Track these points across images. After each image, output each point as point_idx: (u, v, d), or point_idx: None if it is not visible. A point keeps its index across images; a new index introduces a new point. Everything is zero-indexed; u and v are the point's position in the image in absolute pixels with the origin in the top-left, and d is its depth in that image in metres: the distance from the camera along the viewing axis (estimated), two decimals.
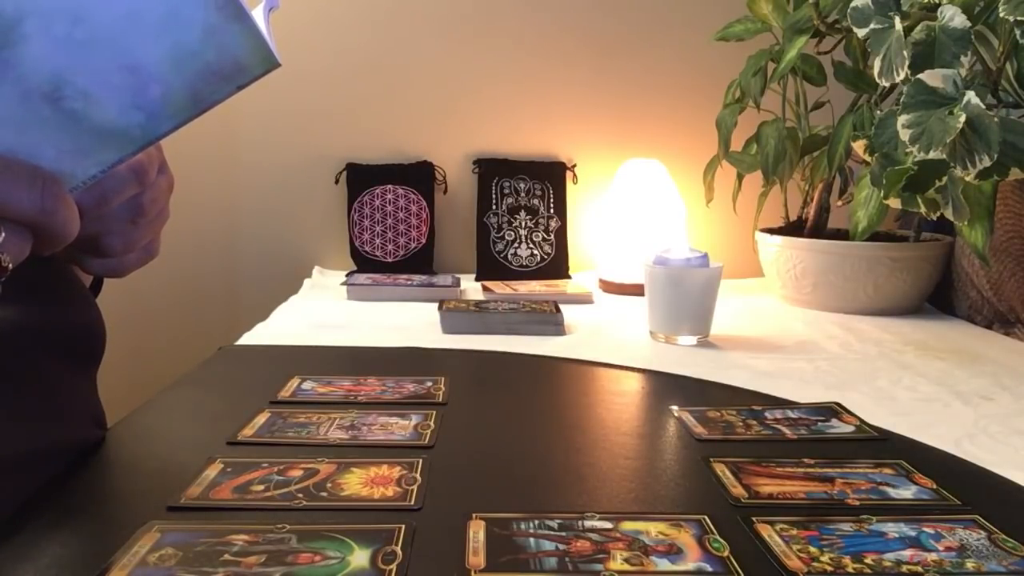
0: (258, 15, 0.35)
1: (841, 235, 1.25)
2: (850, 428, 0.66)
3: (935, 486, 0.53)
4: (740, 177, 1.39)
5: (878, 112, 1.00)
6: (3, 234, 0.32)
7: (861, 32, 0.96)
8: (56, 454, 0.53)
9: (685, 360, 0.91)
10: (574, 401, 0.75)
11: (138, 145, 0.35)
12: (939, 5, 0.90)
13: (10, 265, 0.33)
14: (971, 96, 0.82)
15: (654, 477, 0.55)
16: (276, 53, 0.34)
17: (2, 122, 0.33)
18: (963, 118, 0.81)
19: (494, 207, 1.55)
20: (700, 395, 0.76)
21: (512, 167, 1.58)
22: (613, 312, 1.23)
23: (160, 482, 0.51)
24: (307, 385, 0.74)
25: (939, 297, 1.27)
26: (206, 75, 0.34)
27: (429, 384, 0.75)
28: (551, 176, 1.58)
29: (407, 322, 1.12)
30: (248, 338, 1.01)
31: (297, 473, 0.52)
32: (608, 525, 0.46)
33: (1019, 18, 0.81)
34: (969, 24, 0.86)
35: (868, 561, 0.42)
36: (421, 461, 0.55)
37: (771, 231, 1.32)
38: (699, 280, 0.98)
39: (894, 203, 0.96)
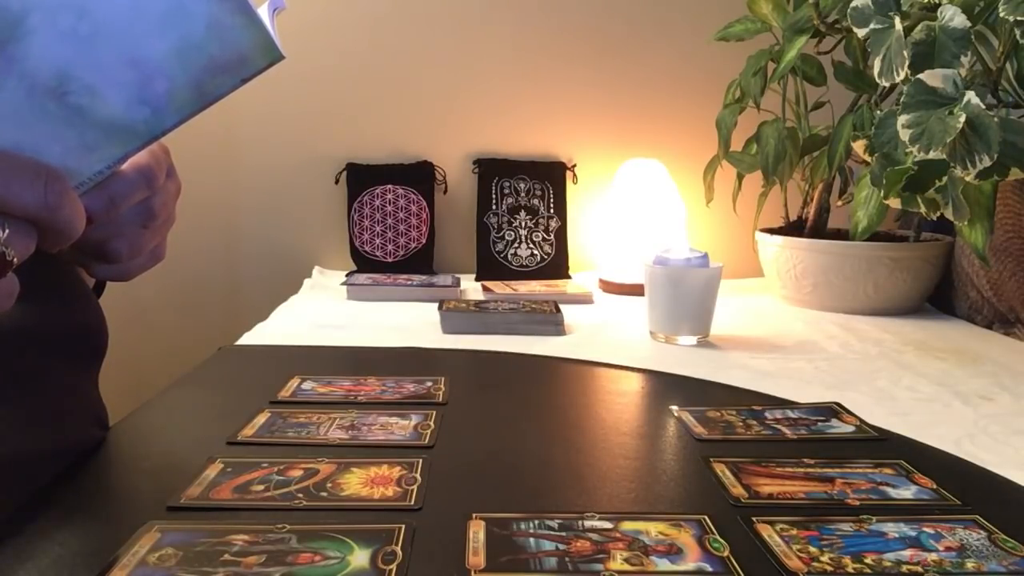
0: (263, 13, 0.35)
1: (841, 235, 1.25)
2: (850, 428, 0.66)
3: (935, 486, 0.53)
4: (740, 177, 1.39)
5: (878, 112, 1.00)
6: (7, 230, 0.32)
7: (861, 32, 0.96)
8: (57, 454, 0.53)
9: (685, 360, 0.91)
10: (574, 401, 0.75)
11: (143, 140, 0.35)
12: (939, 5, 0.90)
13: (15, 260, 0.33)
14: (971, 96, 0.82)
15: (654, 477, 0.55)
16: (280, 46, 0.34)
17: (7, 118, 0.33)
18: (963, 118, 0.81)
19: (494, 207, 1.55)
20: (700, 395, 0.76)
21: (512, 167, 1.58)
22: (613, 312, 1.23)
23: (160, 482, 0.51)
24: (307, 385, 0.74)
25: (939, 297, 1.27)
26: (210, 68, 0.34)
27: (429, 384, 0.75)
28: (551, 176, 1.58)
29: (407, 322, 1.12)
30: (248, 338, 1.01)
31: (297, 473, 0.52)
32: (608, 525, 0.46)
33: (1019, 18, 0.81)
34: (969, 24, 0.86)
35: (868, 561, 0.42)
36: (421, 461, 0.55)
37: (771, 231, 1.32)
38: (699, 280, 0.98)
39: (894, 203, 0.96)
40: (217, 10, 0.32)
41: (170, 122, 0.35)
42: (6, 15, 0.31)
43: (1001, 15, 0.82)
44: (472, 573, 0.40)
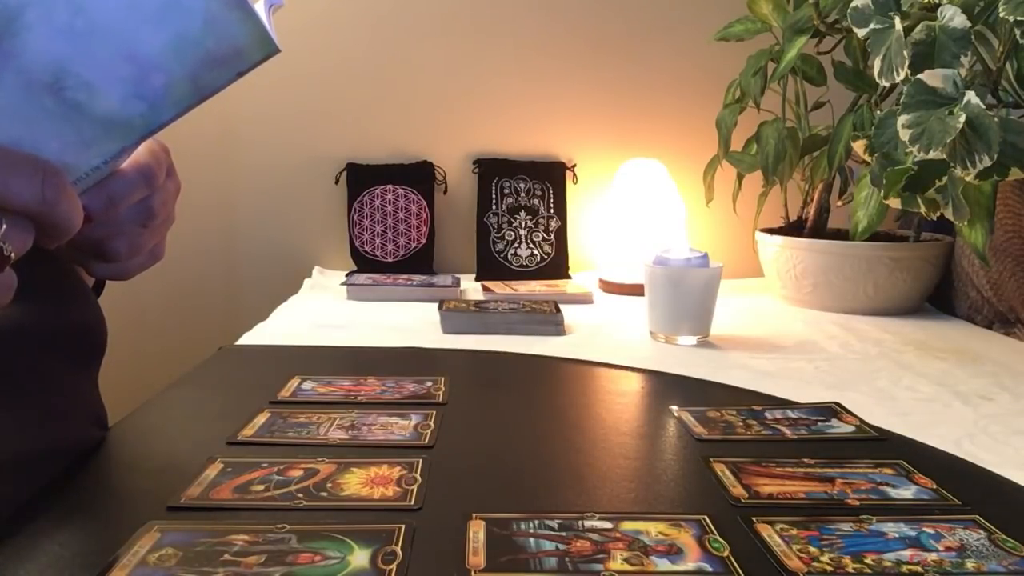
0: (259, 8, 0.35)
1: (841, 235, 1.25)
2: (850, 428, 0.66)
3: (935, 486, 0.53)
4: (740, 177, 1.39)
5: (878, 112, 1.00)
6: (4, 226, 0.32)
7: (861, 32, 0.96)
8: (56, 454, 0.53)
9: (685, 360, 0.91)
10: (574, 401, 0.75)
11: (140, 135, 0.35)
12: (939, 5, 0.90)
13: (13, 256, 0.33)
14: (971, 96, 0.82)
15: (654, 477, 0.55)
16: (275, 39, 0.34)
17: (4, 114, 0.33)
18: (963, 118, 0.81)
19: (494, 207, 1.55)
20: (700, 395, 0.76)
21: (512, 167, 1.58)
22: (613, 312, 1.23)
23: (160, 482, 0.51)
24: (307, 385, 0.74)
25: (939, 297, 1.27)
26: (207, 63, 0.34)
27: (429, 384, 0.75)
28: (551, 176, 1.58)
29: (407, 322, 1.12)
30: (248, 338, 1.01)
31: (297, 473, 0.52)
32: (608, 525, 0.46)
33: (1019, 18, 0.81)
34: (969, 24, 0.86)
35: (868, 561, 0.42)
36: (421, 461, 0.55)
37: (771, 231, 1.32)
38: (699, 280, 0.98)
39: (894, 203, 0.96)
40: (214, 4, 0.32)
41: (167, 116, 0.35)
42: (3, 11, 0.31)
43: (1001, 15, 0.82)
44: (472, 573, 0.40)
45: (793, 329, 1.12)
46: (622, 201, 1.46)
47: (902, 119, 0.86)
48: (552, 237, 1.55)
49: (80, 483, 0.52)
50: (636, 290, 1.27)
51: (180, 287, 1.60)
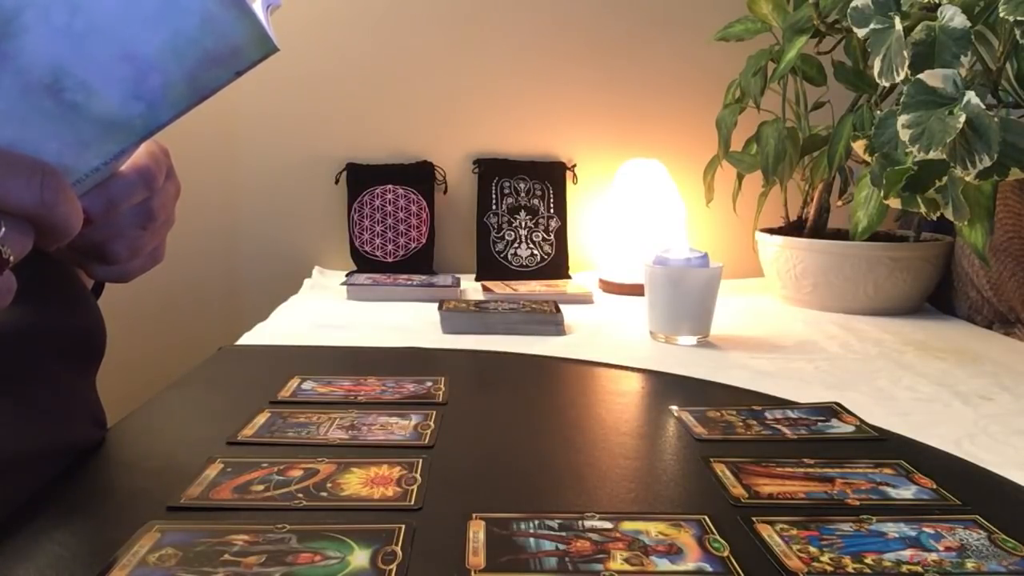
0: (257, 8, 0.35)
1: (841, 235, 1.26)
2: (850, 428, 0.66)
3: (935, 486, 0.53)
4: (740, 177, 1.39)
5: (878, 112, 1.00)
6: (3, 228, 0.32)
7: (861, 32, 0.96)
8: (56, 454, 0.53)
9: (685, 360, 0.91)
10: (574, 401, 0.75)
11: (139, 135, 0.35)
12: (939, 5, 0.90)
13: (11, 258, 0.33)
14: (971, 96, 0.82)
15: (654, 477, 0.55)
16: (274, 38, 0.34)
17: (3, 115, 0.32)
18: (963, 118, 0.81)
19: (494, 207, 1.55)
20: (700, 395, 0.76)
21: (512, 167, 1.58)
22: (613, 312, 1.23)
23: (160, 482, 0.51)
24: (307, 385, 0.74)
25: (939, 297, 1.27)
26: (205, 62, 0.34)
27: (429, 384, 0.75)
28: (551, 176, 1.58)
29: (407, 322, 1.12)
30: (248, 338, 1.01)
31: (297, 473, 0.52)
32: (608, 525, 0.46)
33: (1019, 18, 0.81)
34: (969, 24, 0.86)
35: (868, 561, 0.42)
36: (421, 461, 0.55)
37: (771, 231, 1.32)
38: (699, 280, 0.98)
39: (894, 203, 0.96)
40: (211, 4, 0.32)
41: (165, 117, 0.35)
42: (0, 12, 0.31)
43: (1001, 15, 0.82)
44: (472, 573, 0.40)
45: (793, 329, 1.12)
46: (622, 201, 1.46)
47: (902, 119, 0.86)
48: (552, 237, 1.55)
49: (80, 483, 0.52)
50: (636, 290, 1.27)
51: (180, 287, 1.60)
